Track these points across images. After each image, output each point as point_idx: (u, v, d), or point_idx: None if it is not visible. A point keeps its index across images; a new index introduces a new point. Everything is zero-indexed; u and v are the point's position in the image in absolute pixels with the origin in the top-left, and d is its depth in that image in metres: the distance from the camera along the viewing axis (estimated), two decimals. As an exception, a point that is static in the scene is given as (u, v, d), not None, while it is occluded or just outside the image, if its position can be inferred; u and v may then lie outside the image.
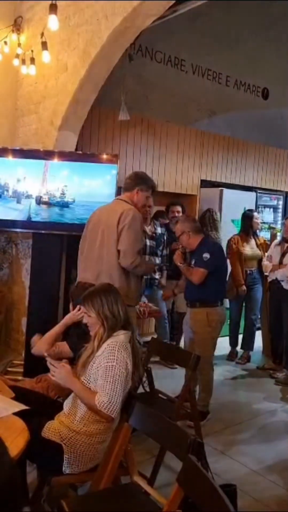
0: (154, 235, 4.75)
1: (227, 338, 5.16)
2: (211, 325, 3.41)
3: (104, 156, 4.48)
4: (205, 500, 1.42)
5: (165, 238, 4.86)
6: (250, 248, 4.92)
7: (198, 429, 2.68)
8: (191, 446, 1.61)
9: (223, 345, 4.96)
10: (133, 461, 1.98)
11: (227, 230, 5.48)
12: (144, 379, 3.01)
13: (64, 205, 4.35)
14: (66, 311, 4.42)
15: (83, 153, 4.52)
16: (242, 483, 2.69)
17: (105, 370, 1.99)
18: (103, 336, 2.09)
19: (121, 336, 2.10)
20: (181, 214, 5.11)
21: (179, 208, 5.13)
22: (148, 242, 4.69)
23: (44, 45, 3.82)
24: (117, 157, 4.55)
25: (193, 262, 3.46)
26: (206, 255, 3.35)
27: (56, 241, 4.45)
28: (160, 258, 4.78)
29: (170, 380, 3.69)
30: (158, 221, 5.04)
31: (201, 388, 3.48)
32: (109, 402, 1.93)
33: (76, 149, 4.47)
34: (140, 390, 3.02)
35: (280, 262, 4.44)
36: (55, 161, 4.27)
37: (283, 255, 4.46)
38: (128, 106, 4.86)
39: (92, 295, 2.13)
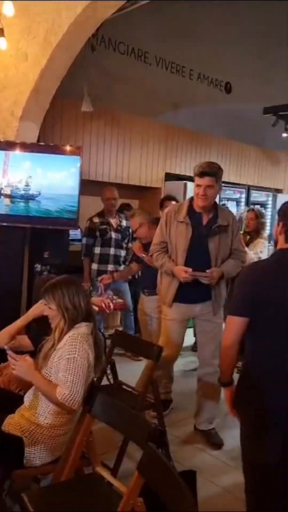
0: (119, 227, 4.75)
1: (192, 329, 5.21)
2: None
3: (68, 148, 4.44)
4: (163, 487, 1.44)
5: (130, 231, 4.87)
6: None
7: (161, 419, 2.71)
8: (152, 434, 1.63)
9: (188, 336, 5.02)
10: (96, 451, 1.99)
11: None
12: (108, 371, 3.02)
13: (29, 197, 4.29)
14: (29, 305, 4.37)
15: (45, 144, 4.46)
16: (203, 469, 2.76)
17: (67, 362, 1.99)
18: (65, 328, 2.08)
19: (83, 328, 2.10)
20: None
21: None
22: (113, 235, 4.69)
23: (0, 32, 3.72)
24: (80, 149, 4.51)
25: None
26: None
27: (19, 234, 4.39)
28: (125, 251, 4.79)
29: (134, 372, 3.70)
30: (123, 214, 5.04)
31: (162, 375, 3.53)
32: (71, 394, 1.93)
33: (38, 141, 4.40)
34: (104, 382, 3.03)
35: None
36: (17, 152, 4.19)
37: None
38: (92, 98, 4.82)
39: (53, 287, 2.12)
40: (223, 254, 3.01)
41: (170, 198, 5.15)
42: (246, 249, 4.26)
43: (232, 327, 1.90)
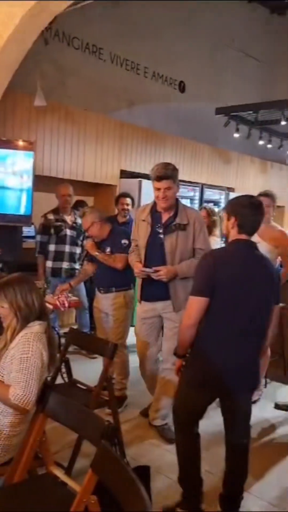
0: (74, 225, 4.71)
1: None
2: (129, 306, 3.56)
3: (21, 143, 4.36)
4: (116, 483, 1.45)
5: (85, 228, 4.84)
6: None
7: (116, 416, 2.72)
8: (105, 432, 1.63)
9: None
10: (49, 451, 1.97)
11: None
12: (63, 369, 3.00)
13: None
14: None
15: (-3, 139, 4.35)
16: (158, 464, 2.80)
17: (20, 362, 1.95)
18: (17, 328, 2.04)
19: (36, 327, 2.07)
20: (130, 206, 5.11)
21: (129, 201, 5.12)
22: (68, 232, 4.64)
23: None
24: (34, 144, 4.43)
25: (107, 250, 3.49)
26: (125, 241, 3.45)
27: None
28: (80, 248, 4.75)
29: (89, 370, 3.69)
30: (78, 211, 4.99)
31: (117, 371, 3.54)
32: (24, 395, 1.90)
33: (-11, 135, 4.28)
34: (59, 380, 3.00)
35: None
36: None
37: None
38: (45, 92, 4.75)
39: (5, 285, 2.07)
40: (180, 253, 3.03)
41: (125, 195, 5.16)
42: None
43: (194, 306, 2.21)
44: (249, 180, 8.64)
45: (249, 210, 2.26)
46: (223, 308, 2.20)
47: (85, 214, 3.62)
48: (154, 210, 3.12)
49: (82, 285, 4.82)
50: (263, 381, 4.01)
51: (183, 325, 2.28)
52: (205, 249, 3.00)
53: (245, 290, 2.19)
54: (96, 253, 3.53)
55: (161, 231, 3.05)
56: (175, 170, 3.00)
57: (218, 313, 2.21)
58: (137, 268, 3.08)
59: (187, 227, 3.04)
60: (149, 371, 3.37)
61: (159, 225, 3.07)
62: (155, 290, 3.10)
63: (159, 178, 2.94)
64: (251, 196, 2.41)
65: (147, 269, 3.02)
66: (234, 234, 2.28)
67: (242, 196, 2.40)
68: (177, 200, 3.10)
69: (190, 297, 2.25)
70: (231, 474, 2.41)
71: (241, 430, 2.39)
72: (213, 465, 2.89)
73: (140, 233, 3.14)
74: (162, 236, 3.04)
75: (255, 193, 4.39)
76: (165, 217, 3.07)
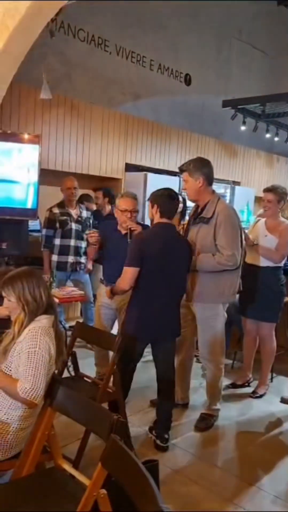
0: (80, 218, 4.69)
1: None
2: None
3: (26, 136, 4.33)
4: (127, 477, 1.44)
5: (91, 221, 4.82)
6: None
7: (122, 409, 2.71)
8: (114, 426, 1.62)
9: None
10: (57, 445, 1.96)
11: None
12: (69, 363, 3.00)
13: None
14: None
15: (3, 132, 4.33)
16: (165, 457, 2.80)
17: (27, 356, 1.94)
18: (25, 321, 2.03)
19: (43, 321, 2.06)
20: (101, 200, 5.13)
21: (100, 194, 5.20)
22: (74, 225, 4.63)
23: None
24: (39, 138, 4.41)
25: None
26: None
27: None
28: (86, 242, 4.74)
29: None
30: (84, 205, 4.98)
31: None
32: (32, 389, 1.89)
33: (-5, 128, 4.26)
34: (65, 374, 3.00)
35: None
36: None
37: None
38: (51, 85, 4.71)
39: (13, 279, 2.06)
40: (200, 245, 3.07)
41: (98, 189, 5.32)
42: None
43: (128, 275, 2.82)
44: (254, 174, 8.58)
45: (167, 200, 2.89)
46: (150, 275, 2.81)
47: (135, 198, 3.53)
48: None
49: (88, 279, 4.81)
50: (269, 375, 4.00)
51: (119, 288, 2.90)
52: (225, 247, 3.00)
53: (166, 261, 2.81)
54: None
55: (191, 222, 3.24)
56: (191, 163, 3.13)
57: (146, 280, 2.81)
58: None
59: (210, 220, 3.06)
60: (177, 360, 3.39)
61: (194, 217, 3.24)
62: None
63: (180, 171, 3.25)
64: (169, 189, 3.00)
65: None
66: (157, 218, 2.92)
67: (162, 189, 3.00)
68: (212, 193, 3.17)
69: (124, 267, 2.82)
70: (162, 402, 3.04)
71: (167, 366, 3.03)
72: (222, 461, 2.90)
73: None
74: (190, 227, 3.23)
75: (261, 187, 4.40)
76: (199, 209, 3.19)
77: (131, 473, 1.42)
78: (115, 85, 6.17)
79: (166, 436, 2.97)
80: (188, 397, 3.57)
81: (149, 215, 3.06)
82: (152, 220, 3.03)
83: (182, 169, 3.18)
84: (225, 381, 3.88)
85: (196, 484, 2.61)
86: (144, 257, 2.78)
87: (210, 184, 3.16)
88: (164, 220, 2.89)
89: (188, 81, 7.35)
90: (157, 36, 6.61)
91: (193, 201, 3.25)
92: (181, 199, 4.77)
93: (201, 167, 3.12)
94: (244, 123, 7.24)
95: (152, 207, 2.92)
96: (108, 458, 1.55)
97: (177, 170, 6.67)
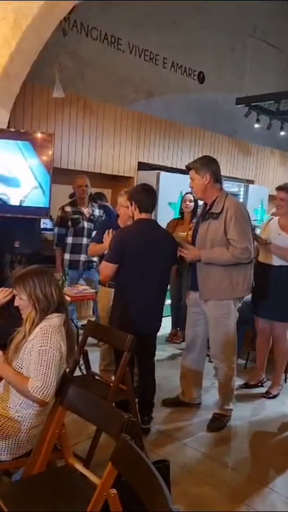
0: (92, 217, 4.69)
1: (170, 318, 5.20)
2: None
3: (39, 135, 4.34)
4: (137, 477, 1.43)
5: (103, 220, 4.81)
6: (181, 232, 4.89)
7: (133, 408, 2.70)
8: (125, 425, 1.61)
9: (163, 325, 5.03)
10: (68, 444, 1.96)
11: (164, 214, 5.52)
12: (81, 361, 2.99)
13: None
14: None
15: (16, 131, 4.34)
16: (176, 457, 2.78)
17: (38, 354, 1.94)
18: (36, 319, 2.02)
19: (54, 319, 2.05)
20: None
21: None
22: (86, 224, 4.63)
23: None
24: (52, 136, 4.42)
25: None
26: None
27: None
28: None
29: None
30: (96, 203, 4.98)
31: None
32: (43, 387, 1.89)
33: (8, 127, 4.28)
34: (77, 373, 3.00)
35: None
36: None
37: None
38: (64, 84, 4.72)
39: (24, 277, 2.05)
40: (211, 241, 3.08)
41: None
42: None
43: (107, 271, 2.95)
44: (268, 172, 8.50)
45: (143, 195, 2.93)
46: (131, 271, 2.89)
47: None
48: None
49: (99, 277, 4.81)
50: (282, 375, 3.95)
51: (102, 278, 3.20)
52: (237, 240, 3.00)
53: (148, 256, 2.87)
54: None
55: (200, 219, 3.25)
56: (197, 162, 3.16)
57: (129, 276, 2.90)
58: None
59: (219, 216, 3.06)
60: (190, 359, 3.43)
61: (203, 213, 3.25)
62: (194, 279, 3.22)
63: (186, 168, 3.24)
64: (144, 184, 3.08)
65: (180, 240, 3.29)
66: (137, 215, 2.95)
67: (138, 185, 3.15)
68: (220, 190, 3.17)
69: (103, 262, 2.98)
70: (144, 387, 3.15)
71: (150, 356, 3.17)
72: (234, 461, 2.87)
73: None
74: (199, 224, 3.23)
75: (275, 185, 4.34)
76: (207, 206, 3.19)
77: (141, 473, 1.41)
78: (128, 83, 6.16)
79: (146, 418, 3.12)
80: (201, 397, 3.54)
81: (129, 213, 3.08)
82: (133, 218, 3.05)
83: (188, 167, 3.18)
84: (238, 381, 3.85)
85: (208, 485, 2.58)
86: (124, 253, 2.86)
87: (217, 181, 3.16)
88: (143, 215, 2.94)
89: (201, 78, 7.30)
90: (170, 34, 6.57)
91: (200, 198, 3.28)
92: (192, 197, 4.76)
93: (208, 164, 3.13)
94: (258, 120, 7.16)
95: (131, 204, 2.98)
96: (118, 458, 1.54)
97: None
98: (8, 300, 2.34)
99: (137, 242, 2.89)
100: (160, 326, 3.15)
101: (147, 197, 2.94)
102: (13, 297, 2.16)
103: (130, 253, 2.86)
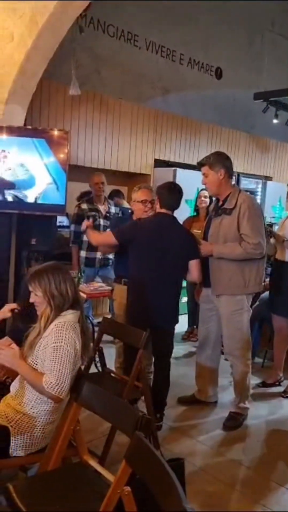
0: (108, 214, 4.69)
1: (186, 316, 5.18)
2: None
3: (55, 133, 4.35)
4: (151, 475, 1.42)
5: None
6: (197, 230, 4.84)
7: (149, 406, 2.69)
8: (139, 423, 1.60)
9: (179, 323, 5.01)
10: (83, 440, 1.96)
11: (181, 211, 5.46)
12: (97, 358, 3.00)
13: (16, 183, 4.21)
14: (16, 293, 4.32)
15: (33, 128, 4.36)
16: (191, 455, 2.77)
17: (53, 350, 1.95)
18: (50, 316, 2.03)
19: (69, 316, 2.06)
20: None
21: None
22: (102, 221, 4.63)
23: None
24: (68, 134, 4.42)
25: None
26: None
27: (6, 220, 4.31)
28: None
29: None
30: (113, 200, 4.97)
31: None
32: (57, 383, 1.90)
33: (25, 124, 4.30)
34: (93, 369, 3.00)
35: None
36: (4, 136, 4.10)
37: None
38: (80, 81, 4.72)
39: (39, 273, 2.06)
40: (223, 236, 3.07)
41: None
42: None
43: (107, 238, 3.14)
44: (287, 169, 8.38)
45: (166, 191, 3.01)
46: (142, 260, 2.95)
47: None
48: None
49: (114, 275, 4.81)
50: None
51: (94, 241, 3.33)
52: (250, 235, 2.98)
53: (160, 248, 2.91)
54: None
55: (213, 215, 3.23)
56: (210, 157, 3.12)
57: (139, 268, 2.97)
58: None
59: (232, 211, 3.04)
60: (204, 357, 3.41)
61: (215, 209, 3.24)
62: (205, 275, 3.19)
63: (198, 166, 3.20)
64: (171, 182, 3.23)
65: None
66: (158, 209, 3.06)
67: (166, 182, 3.17)
68: (233, 186, 3.18)
69: (108, 231, 3.22)
70: (158, 385, 3.10)
71: (164, 354, 3.12)
72: (250, 460, 2.84)
73: None
74: (212, 219, 3.22)
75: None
76: (220, 202, 3.18)
77: (155, 472, 1.40)
78: (144, 80, 6.13)
79: (158, 415, 3.08)
80: (217, 395, 3.52)
81: (154, 207, 3.20)
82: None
83: (201, 163, 3.14)
84: (255, 380, 3.81)
85: (223, 483, 2.56)
86: (134, 239, 2.96)
87: (230, 177, 3.16)
88: (163, 210, 3.01)
89: (219, 74, 7.23)
90: (187, 30, 6.52)
91: (214, 195, 3.25)
92: (206, 194, 4.72)
93: (222, 160, 3.11)
94: (276, 116, 7.07)
95: (156, 198, 3.11)
96: (132, 456, 1.53)
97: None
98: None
99: (150, 232, 2.95)
100: (172, 322, 3.11)
101: (169, 194, 3.00)
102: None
103: (140, 241, 2.93)
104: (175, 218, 3.07)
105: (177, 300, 3.13)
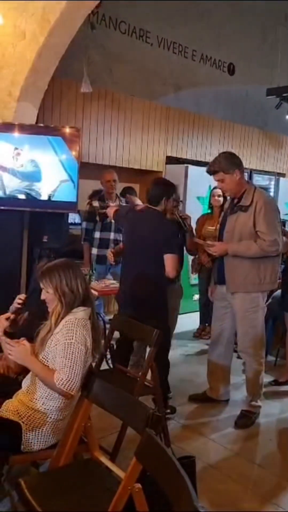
0: (119, 211, 4.68)
1: (198, 314, 5.15)
2: (181, 295, 3.69)
3: (67, 130, 4.35)
4: (161, 473, 1.41)
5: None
6: (210, 226, 4.82)
7: (160, 404, 2.69)
8: (150, 420, 1.60)
9: (191, 320, 5.02)
10: (94, 437, 1.97)
11: (193, 208, 5.47)
12: (108, 355, 3.00)
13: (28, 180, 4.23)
14: (28, 290, 4.34)
15: (45, 126, 4.38)
16: (202, 453, 2.75)
17: (64, 347, 1.95)
18: (61, 313, 2.04)
19: (80, 313, 2.06)
20: None
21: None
22: (113, 219, 4.62)
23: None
24: (80, 131, 4.43)
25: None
26: None
27: (18, 217, 4.33)
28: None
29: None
30: (124, 198, 4.97)
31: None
32: (68, 380, 1.90)
33: (37, 122, 4.32)
34: (104, 366, 3.01)
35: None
36: (16, 134, 4.11)
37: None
38: (91, 78, 4.72)
39: (50, 270, 2.07)
40: (239, 233, 3.05)
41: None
42: None
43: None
44: (301, 165, 8.28)
45: (151, 187, 3.10)
46: (125, 249, 3.15)
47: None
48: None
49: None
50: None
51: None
52: (266, 233, 2.96)
53: (135, 237, 3.05)
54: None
55: (228, 213, 3.21)
56: (221, 162, 3.07)
57: (124, 256, 3.17)
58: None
59: (249, 208, 3.02)
60: (216, 354, 3.39)
61: (230, 207, 3.21)
62: (220, 272, 3.19)
63: (210, 174, 3.15)
64: (158, 178, 3.40)
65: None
66: (145, 202, 3.22)
67: (157, 178, 3.37)
68: (248, 183, 3.18)
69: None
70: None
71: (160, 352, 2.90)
72: (262, 459, 2.83)
73: None
74: (228, 216, 3.19)
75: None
76: (236, 200, 3.16)
77: (166, 469, 1.39)
78: (156, 77, 6.11)
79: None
80: (229, 394, 3.50)
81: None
82: None
83: (213, 171, 3.09)
84: (268, 378, 3.78)
85: (234, 482, 2.55)
86: (123, 227, 3.27)
87: (243, 173, 3.15)
88: (147, 204, 3.13)
89: (231, 70, 7.17)
90: (199, 26, 6.47)
91: (233, 196, 3.17)
92: (220, 192, 4.69)
93: (232, 161, 3.08)
94: (289, 112, 6.98)
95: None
96: (143, 453, 1.53)
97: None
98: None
99: (129, 221, 3.15)
100: (155, 311, 2.95)
101: (153, 189, 3.11)
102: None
103: (125, 230, 3.22)
104: (154, 211, 3.05)
105: (154, 293, 2.98)
